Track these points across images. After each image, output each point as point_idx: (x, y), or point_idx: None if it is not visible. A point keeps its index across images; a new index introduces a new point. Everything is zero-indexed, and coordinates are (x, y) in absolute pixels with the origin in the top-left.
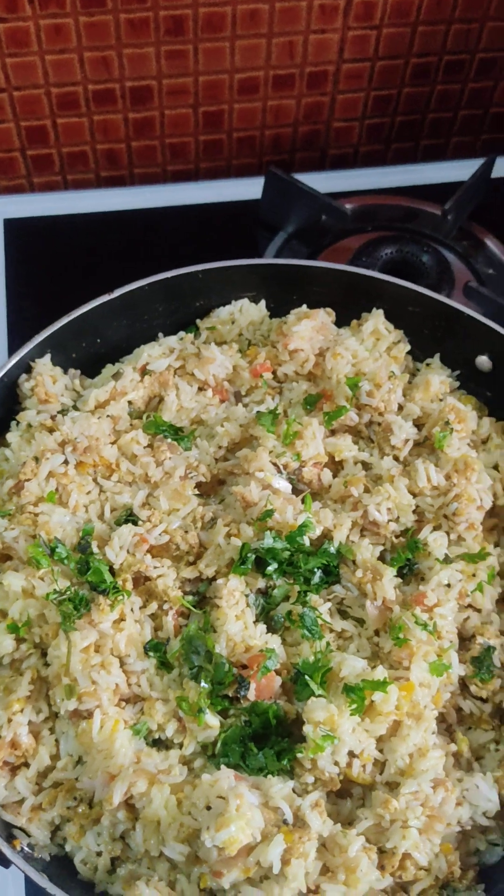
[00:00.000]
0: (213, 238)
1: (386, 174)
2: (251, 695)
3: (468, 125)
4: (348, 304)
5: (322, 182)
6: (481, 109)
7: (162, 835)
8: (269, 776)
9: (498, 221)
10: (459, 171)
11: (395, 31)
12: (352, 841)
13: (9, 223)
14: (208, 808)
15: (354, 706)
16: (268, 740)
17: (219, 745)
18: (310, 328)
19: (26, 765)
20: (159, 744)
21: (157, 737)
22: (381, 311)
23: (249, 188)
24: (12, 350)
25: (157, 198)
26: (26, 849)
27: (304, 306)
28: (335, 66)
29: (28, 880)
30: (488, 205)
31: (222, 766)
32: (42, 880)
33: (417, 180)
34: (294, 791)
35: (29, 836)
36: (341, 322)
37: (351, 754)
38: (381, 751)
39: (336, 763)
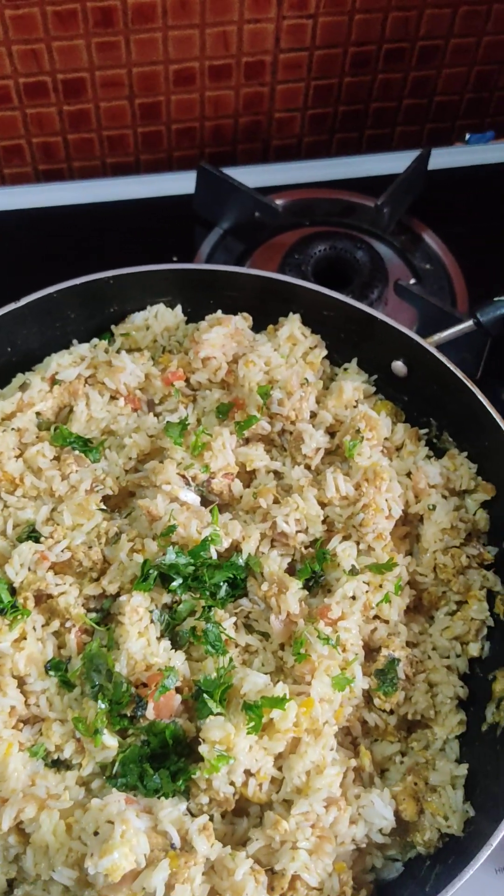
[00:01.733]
0: (153, 234)
1: (329, 166)
2: (149, 714)
3: (412, 114)
4: (266, 308)
5: (263, 175)
6: (425, 98)
7: (51, 859)
8: (164, 798)
9: (438, 216)
10: (403, 162)
11: (332, 19)
12: (239, 864)
13: None
14: (96, 833)
15: (252, 724)
16: (167, 759)
17: (116, 765)
18: (222, 335)
19: None
20: (60, 764)
21: (55, 757)
22: (297, 316)
23: (189, 182)
24: None
25: (96, 193)
26: None
27: (220, 311)
28: (272, 55)
29: None
30: (428, 199)
31: (113, 791)
32: None
33: (361, 172)
34: (190, 810)
35: None
36: (259, 326)
37: (247, 773)
38: (279, 768)
39: (232, 783)
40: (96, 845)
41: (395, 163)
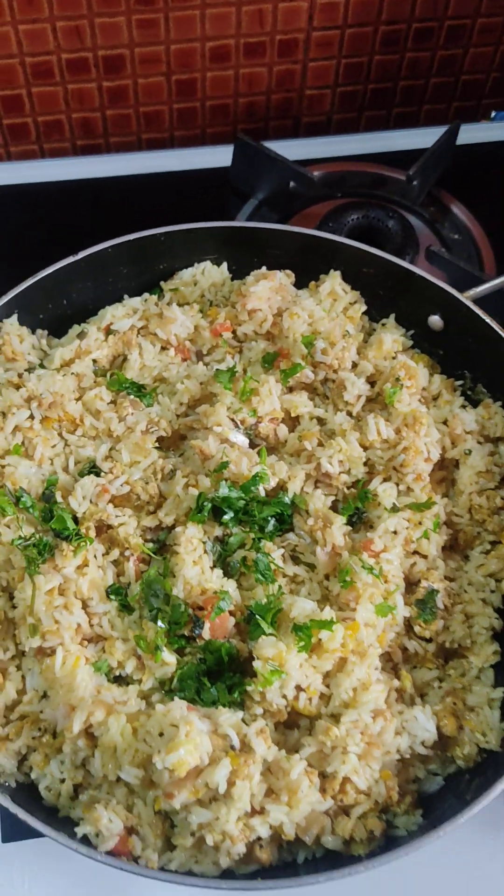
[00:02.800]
0: (187, 205)
1: (358, 141)
2: (206, 633)
3: (439, 93)
4: (307, 266)
5: (294, 149)
6: (452, 77)
7: (118, 760)
8: (221, 707)
9: (466, 188)
10: (431, 138)
11: None
12: (294, 765)
13: None
14: (161, 735)
15: (302, 644)
16: (222, 675)
17: (175, 680)
18: (267, 289)
19: None
20: (120, 680)
21: (117, 674)
22: (338, 273)
23: (222, 156)
24: None
25: (131, 165)
26: None
27: (264, 268)
28: (305, 33)
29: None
30: (457, 172)
31: (175, 698)
32: (4, 799)
33: (389, 147)
34: (243, 721)
35: None
36: (301, 284)
37: (298, 688)
38: (327, 685)
39: (284, 696)
40: (162, 744)
41: (423, 138)
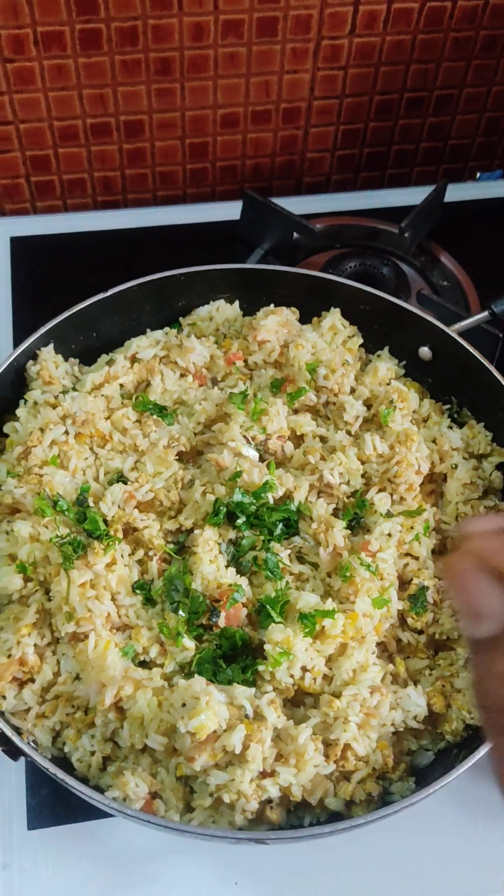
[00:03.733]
0: (198, 254)
1: (355, 198)
2: (221, 622)
3: (429, 156)
4: (310, 304)
5: (297, 205)
6: (440, 142)
7: (145, 729)
8: (236, 685)
9: (454, 241)
10: (421, 195)
11: (360, 71)
12: (301, 731)
13: (15, 241)
14: (184, 705)
15: (307, 630)
16: (235, 659)
17: (194, 664)
18: (275, 322)
19: (32, 680)
20: (144, 665)
21: (142, 659)
22: (337, 310)
23: (231, 210)
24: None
25: (147, 218)
26: (31, 744)
27: (272, 305)
28: (307, 102)
29: (29, 778)
30: (445, 226)
31: (195, 675)
32: (45, 762)
33: (383, 203)
34: (255, 696)
35: (34, 737)
36: (305, 320)
37: (303, 669)
38: (329, 668)
39: (291, 675)
40: (185, 711)
41: (414, 196)
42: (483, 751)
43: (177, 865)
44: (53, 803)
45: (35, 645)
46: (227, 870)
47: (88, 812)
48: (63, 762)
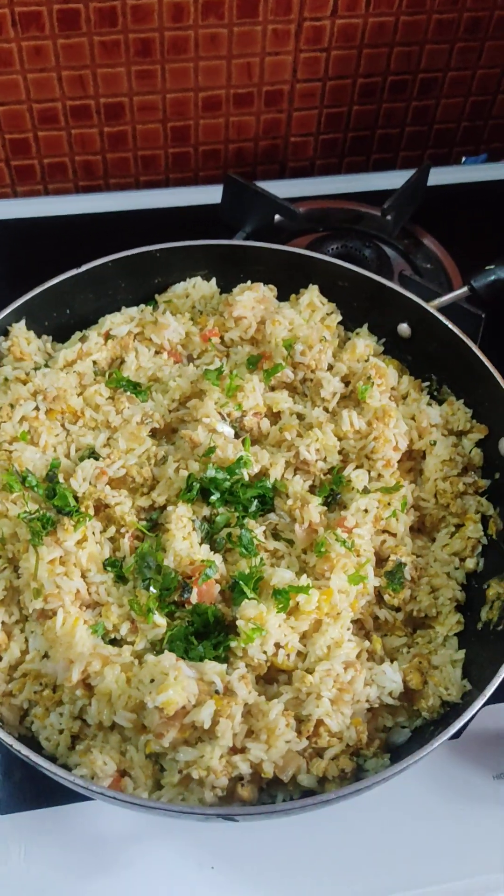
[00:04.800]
0: (179, 238)
1: (339, 182)
2: (193, 598)
3: (414, 141)
4: (288, 282)
5: (279, 189)
6: (425, 126)
7: (113, 705)
8: (206, 661)
9: (438, 224)
10: (405, 179)
11: (343, 53)
12: (272, 707)
13: None
14: (152, 681)
15: (281, 606)
16: (207, 637)
17: (165, 641)
18: (252, 299)
19: None
20: (115, 643)
21: (112, 637)
22: (315, 287)
23: (213, 194)
24: None
25: (129, 202)
26: None
27: (249, 282)
28: (290, 85)
29: (1, 760)
30: (430, 209)
31: (165, 651)
32: (10, 739)
33: (367, 187)
34: (226, 672)
35: (1, 716)
36: (283, 298)
37: (277, 645)
38: (304, 644)
39: (264, 652)
40: (153, 687)
41: (399, 180)
42: (459, 724)
43: (153, 850)
44: (27, 787)
45: (3, 622)
46: (203, 854)
47: (63, 796)
48: (31, 741)
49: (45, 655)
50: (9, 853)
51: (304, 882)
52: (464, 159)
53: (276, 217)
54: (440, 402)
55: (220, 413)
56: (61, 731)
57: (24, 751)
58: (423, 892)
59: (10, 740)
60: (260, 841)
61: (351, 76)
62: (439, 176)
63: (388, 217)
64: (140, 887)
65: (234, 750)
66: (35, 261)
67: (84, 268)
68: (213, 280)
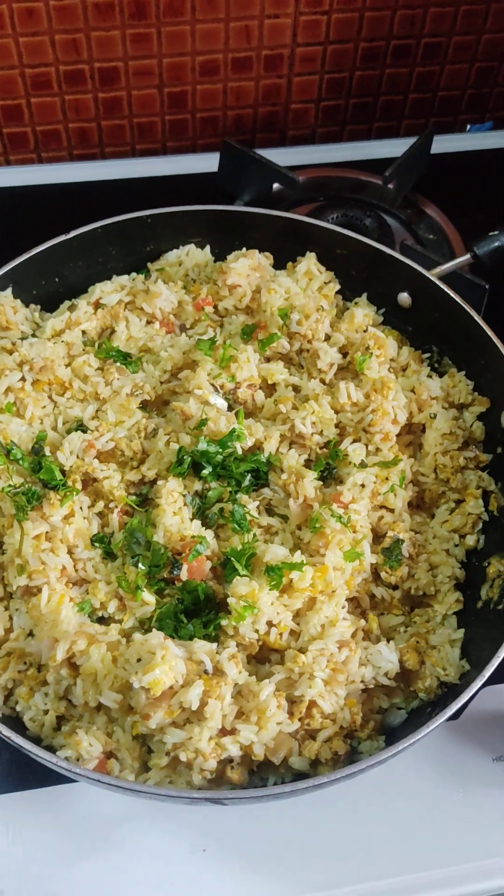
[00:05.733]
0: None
1: (340, 149)
2: (183, 575)
3: (418, 108)
4: (285, 250)
5: (279, 156)
6: (429, 93)
7: (99, 686)
8: (196, 640)
9: (441, 193)
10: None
11: (344, 16)
12: (263, 687)
13: None
14: (139, 660)
15: (273, 583)
16: (198, 615)
17: (154, 619)
18: (246, 266)
19: None
20: (102, 621)
21: (100, 615)
22: (313, 254)
23: (211, 162)
24: None
25: (124, 170)
26: None
27: (244, 249)
28: (290, 49)
29: None
30: (433, 178)
31: (153, 630)
32: None
33: (369, 155)
34: (216, 651)
35: None
36: (279, 266)
37: (269, 623)
38: (297, 623)
39: (256, 630)
40: (140, 667)
41: (402, 148)
42: (456, 706)
43: (143, 832)
44: (15, 768)
45: None
46: (195, 836)
47: (52, 777)
48: (16, 721)
49: (30, 634)
50: None
51: (297, 865)
52: (469, 127)
53: (275, 185)
54: (441, 374)
55: (212, 384)
56: (46, 712)
57: (6, 732)
58: (419, 876)
59: None
60: (253, 823)
61: (353, 40)
62: (443, 144)
63: (390, 185)
64: (130, 869)
65: (223, 731)
66: (27, 230)
67: (73, 234)
68: (207, 248)
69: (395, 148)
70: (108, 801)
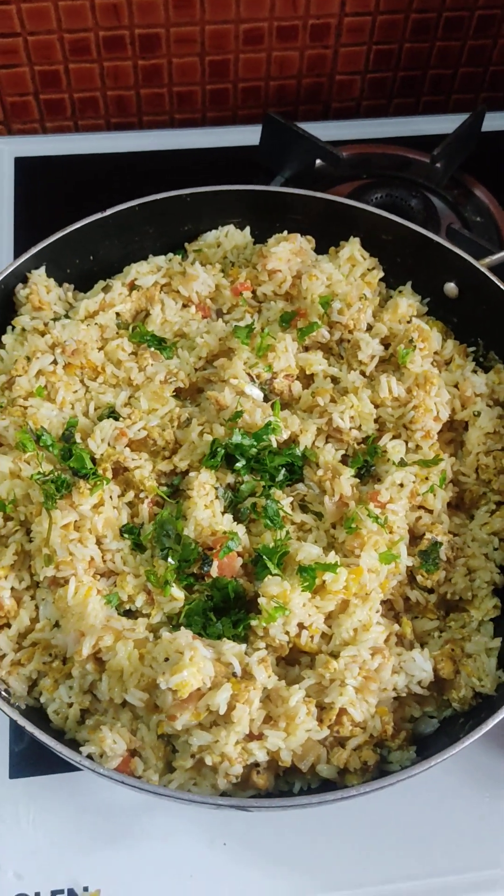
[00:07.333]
0: (213, 181)
1: (386, 125)
2: (214, 571)
3: (468, 83)
4: (328, 232)
5: (322, 130)
6: (481, 67)
7: (125, 683)
8: (224, 640)
9: (491, 174)
10: (457, 123)
11: None
12: (293, 693)
13: (20, 161)
14: (166, 660)
15: (306, 584)
16: (227, 613)
17: (182, 615)
18: (288, 250)
19: (8, 625)
20: (129, 615)
21: (127, 608)
22: (357, 239)
23: (252, 135)
24: None
25: (163, 141)
26: (3, 693)
27: (286, 233)
28: (337, 18)
29: (13, 723)
30: (482, 158)
31: (182, 629)
32: (13, 712)
33: (416, 131)
34: (245, 653)
35: (8, 686)
36: (321, 250)
37: (300, 625)
38: (328, 626)
39: (286, 632)
40: (167, 667)
41: (450, 124)
42: (493, 721)
43: (164, 823)
44: (38, 751)
45: (12, 588)
46: (216, 829)
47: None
48: (40, 712)
49: (56, 625)
50: (18, 817)
51: (317, 863)
52: None
53: (318, 161)
54: (486, 370)
55: (248, 374)
56: (70, 705)
57: (30, 728)
58: (441, 881)
59: (14, 715)
60: (274, 820)
61: (403, 11)
62: (494, 121)
63: (438, 164)
64: (150, 858)
65: (250, 736)
66: (62, 201)
67: (109, 211)
68: (247, 229)
69: (442, 124)
70: (129, 789)
